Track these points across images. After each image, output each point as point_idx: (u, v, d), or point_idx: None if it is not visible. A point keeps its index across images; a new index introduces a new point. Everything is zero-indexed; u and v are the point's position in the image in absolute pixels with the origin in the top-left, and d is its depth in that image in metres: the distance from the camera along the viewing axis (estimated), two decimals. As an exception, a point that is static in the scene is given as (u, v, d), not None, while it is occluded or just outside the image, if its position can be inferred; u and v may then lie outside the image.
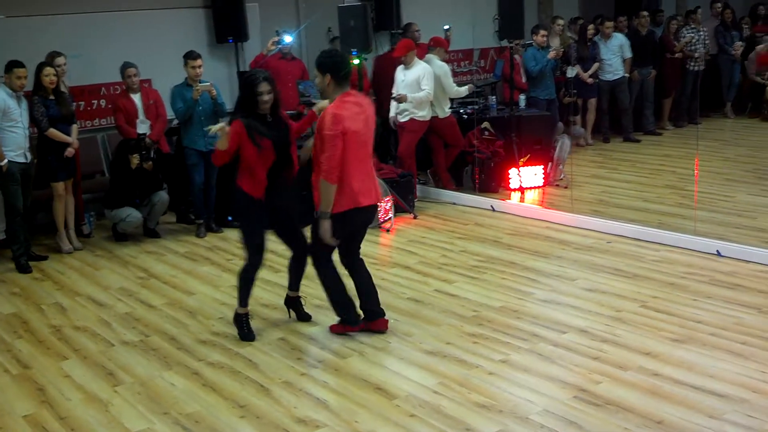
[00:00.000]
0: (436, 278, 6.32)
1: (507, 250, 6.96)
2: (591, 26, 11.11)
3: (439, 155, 9.06)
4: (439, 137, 8.90)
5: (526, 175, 8.81)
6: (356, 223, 5.07)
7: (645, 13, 11.62)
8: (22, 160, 7.05)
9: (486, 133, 9.18)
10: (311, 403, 4.40)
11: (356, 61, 8.63)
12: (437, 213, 8.39)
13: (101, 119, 8.92)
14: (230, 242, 7.67)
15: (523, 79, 10.18)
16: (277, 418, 4.24)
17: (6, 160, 6.90)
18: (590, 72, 10.90)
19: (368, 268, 5.31)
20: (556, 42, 10.72)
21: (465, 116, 9.38)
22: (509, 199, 8.62)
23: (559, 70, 10.66)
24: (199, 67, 7.68)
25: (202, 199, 7.93)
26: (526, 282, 6.13)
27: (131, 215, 7.72)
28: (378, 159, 8.01)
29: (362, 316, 5.26)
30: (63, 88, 7.56)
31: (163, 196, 7.93)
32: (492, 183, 8.90)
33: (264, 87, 5.00)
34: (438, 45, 8.83)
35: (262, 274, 5.63)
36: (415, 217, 8.18)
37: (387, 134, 9.37)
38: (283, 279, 5.69)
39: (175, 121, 8.14)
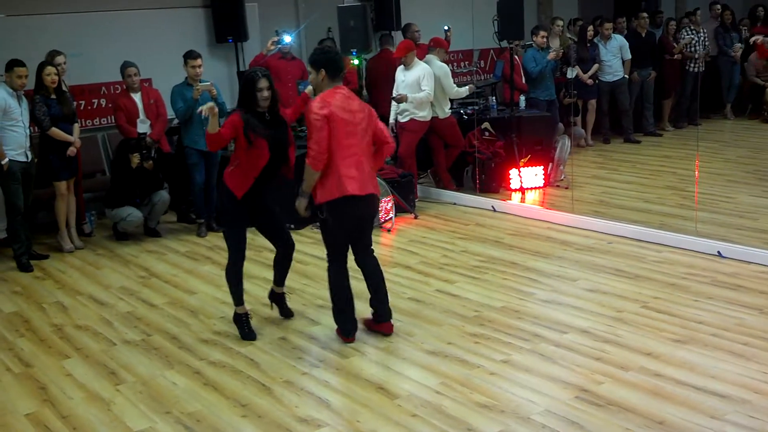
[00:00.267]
0: (438, 278, 6.33)
1: (508, 251, 6.96)
2: (590, 27, 11.12)
3: (439, 155, 9.06)
4: (439, 138, 8.90)
5: (527, 176, 8.82)
6: (348, 214, 4.96)
7: (644, 14, 11.64)
8: (22, 159, 7.05)
9: (486, 133, 9.18)
10: (313, 402, 4.40)
11: (356, 62, 8.65)
12: (438, 213, 8.39)
13: (101, 118, 8.92)
14: (231, 242, 7.67)
15: (523, 80, 10.18)
16: (278, 418, 4.24)
17: (7, 159, 6.90)
18: (590, 73, 10.91)
19: (378, 266, 5.23)
20: (555, 43, 10.73)
21: (465, 117, 9.38)
22: (510, 199, 8.63)
23: (559, 71, 10.67)
24: (199, 66, 7.69)
25: (202, 198, 7.94)
26: (528, 282, 6.14)
27: (132, 214, 7.72)
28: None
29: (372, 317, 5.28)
30: (63, 87, 7.56)
31: (163, 195, 7.93)
32: (493, 183, 8.91)
33: (263, 83, 5.02)
34: (438, 45, 8.83)
35: (263, 273, 5.65)
36: (415, 218, 8.18)
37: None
38: (287, 279, 5.67)
39: (176, 121, 8.14)
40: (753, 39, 10.80)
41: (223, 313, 5.81)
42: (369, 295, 5.23)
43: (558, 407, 4.17)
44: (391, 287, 6.06)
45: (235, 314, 5.38)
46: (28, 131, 7.13)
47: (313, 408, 4.33)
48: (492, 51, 11.43)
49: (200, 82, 7.57)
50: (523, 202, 8.63)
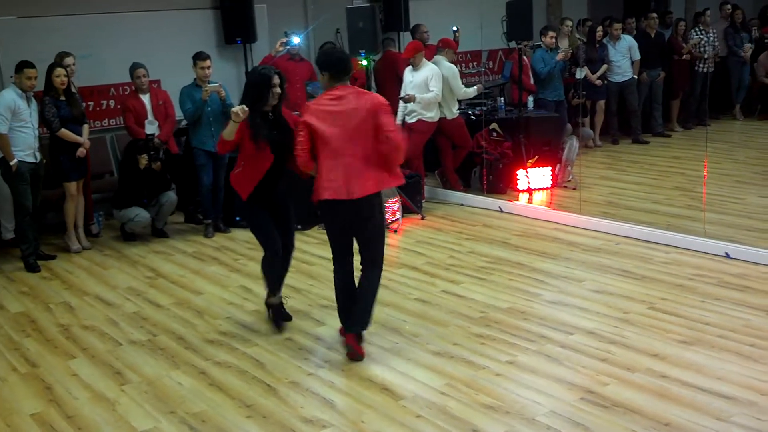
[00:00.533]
0: (444, 279, 6.32)
1: (515, 251, 6.95)
2: (599, 28, 11.09)
3: (447, 156, 9.06)
4: (447, 138, 8.90)
5: (535, 177, 8.80)
6: (329, 217, 4.91)
7: (654, 14, 11.60)
8: (31, 159, 7.08)
9: (494, 134, 9.17)
10: (318, 403, 4.40)
11: (364, 62, 8.65)
12: (445, 214, 8.38)
13: (110, 120, 8.95)
14: (238, 242, 7.69)
15: (532, 81, 10.16)
16: (283, 418, 4.24)
17: (16, 160, 6.93)
18: (599, 74, 10.89)
19: (372, 282, 5.05)
20: (564, 43, 10.71)
21: (473, 117, 9.38)
22: (517, 200, 8.61)
23: (567, 72, 10.65)
24: (208, 67, 7.70)
25: (210, 199, 7.95)
26: (534, 283, 6.12)
27: (139, 215, 7.74)
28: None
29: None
30: (72, 89, 7.59)
31: (171, 196, 7.95)
32: (500, 184, 8.89)
33: (277, 80, 5.07)
34: (447, 46, 8.83)
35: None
36: (422, 218, 8.18)
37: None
38: (293, 279, 5.69)
39: (184, 122, 8.16)
40: None
41: (229, 313, 5.82)
42: (379, 296, 5.20)
43: (563, 408, 4.16)
44: (397, 288, 6.09)
45: (265, 302, 5.49)
46: (37, 132, 7.16)
47: (318, 409, 4.33)
48: (501, 52, 11.41)
49: (209, 84, 7.59)
50: (531, 202, 8.62)
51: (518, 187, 8.78)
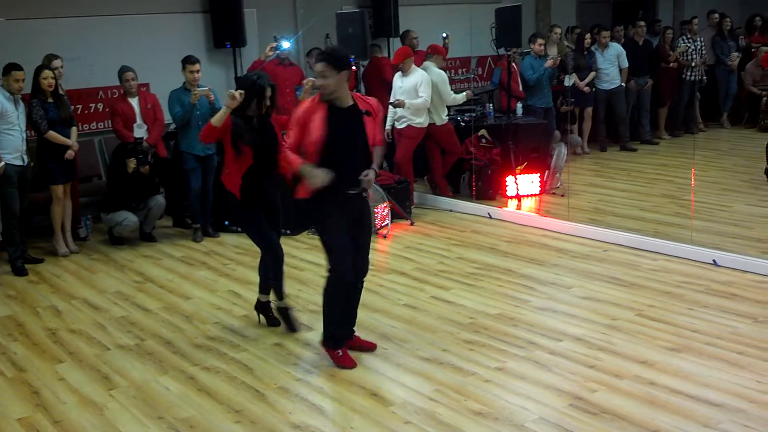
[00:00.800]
0: (433, 285, 6.32)
1: (503, 258, 6.96)
2: (588, 35, 11.14)
3: (436, 162, 9.07)
4: (436, 144, 8.92)
5: (523, 183, 8.81)
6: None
7: (642, 22, 11.66)
8: (19, 162, 7.04)
9: (483, 140, 9.19)
10: (307, 408, 4.39)
11: (353, 68, 8.66)
12: (434, 220, 8.39)
13: (99, 123, 8.92)
14: (227, 247, 7.67)
15: (520, 88, 10.20)
16: (272, 424, 4.23)
17: (3, 163, 6.88)
18: (587, 81, 10.94)
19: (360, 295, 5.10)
20: (553, 51, 10.74)
21: (462, 123, 9.40)
22: (506, 206, 8.63)
23: (556, 79, 10.69)
24: (198, 71, 7.69)
25: (199, 203, 7.93)
26: (523, 289, 6.13)
27: (127, 219, 7.71)
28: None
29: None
30: (60, 91, 7.56)
31: (159, 200, 7.92)
32: (489, 190, 8.91)
33: (269, 92, 5.15)
34: (436, 52, 8.85)
35: (256, 278, 5.62)
36: (411, 224, 8.18)
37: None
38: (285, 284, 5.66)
39: (173, 126, 8.13)
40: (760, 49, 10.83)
41: (217, 318, 5.81)
42: (367, 301, 5.22)
43: (552, 415, 4.17)
44: (386, 293, 6.10)
45: (258, 302, 5.57)
46: (24, 135, 7.12)
47: (307, 414, 4.32)
48: (490, 58, 11.45)
49: (198, 87, 7.57)
50: (519, 209, 8.63)
51: (507, 193, 8.79)
